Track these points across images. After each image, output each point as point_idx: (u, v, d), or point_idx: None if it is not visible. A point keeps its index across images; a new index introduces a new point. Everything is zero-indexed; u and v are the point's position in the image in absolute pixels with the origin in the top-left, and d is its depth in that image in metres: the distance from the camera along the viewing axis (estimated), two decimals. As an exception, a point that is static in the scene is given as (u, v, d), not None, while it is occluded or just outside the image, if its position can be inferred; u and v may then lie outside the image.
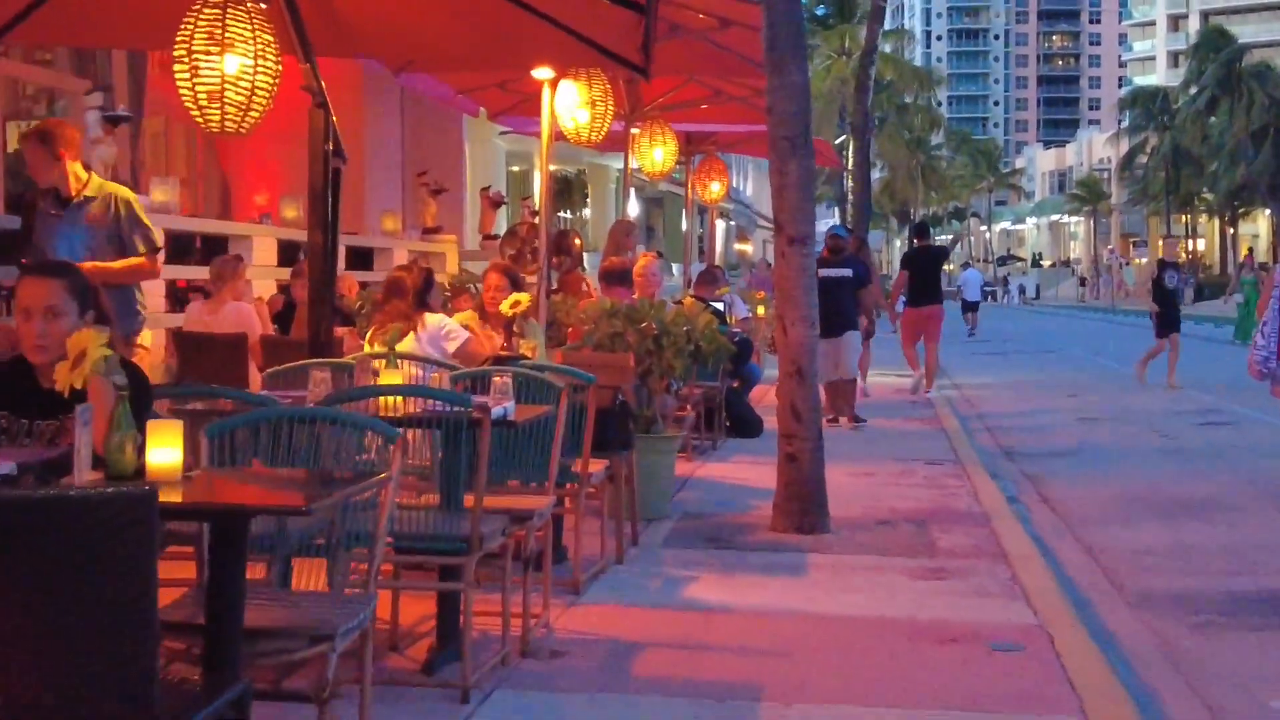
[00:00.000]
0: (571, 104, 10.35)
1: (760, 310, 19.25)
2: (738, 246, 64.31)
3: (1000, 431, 14.42)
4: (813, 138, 7.73)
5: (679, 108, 14.07)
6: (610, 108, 10.43)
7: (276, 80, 5.92)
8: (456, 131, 19.82)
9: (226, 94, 5.78)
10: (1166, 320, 18.55)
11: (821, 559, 7.27)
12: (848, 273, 12.91)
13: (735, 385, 13.19)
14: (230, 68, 5.79)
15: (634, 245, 12.82)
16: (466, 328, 6.79)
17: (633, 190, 39.43)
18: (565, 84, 10.36)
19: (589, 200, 35.18)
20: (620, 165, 35.45)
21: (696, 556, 7.28)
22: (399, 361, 5.92)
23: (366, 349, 6.39)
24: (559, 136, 10.85)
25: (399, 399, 5.04)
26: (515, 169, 34.09)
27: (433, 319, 6.57)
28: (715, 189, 17.30)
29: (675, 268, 26.99)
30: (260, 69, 5.82)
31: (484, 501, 4.96)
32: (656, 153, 14.24)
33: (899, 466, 10.84)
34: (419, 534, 4.82)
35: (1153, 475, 11.01)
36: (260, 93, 5.83)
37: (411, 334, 6.42)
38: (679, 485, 9.63)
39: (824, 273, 11.41)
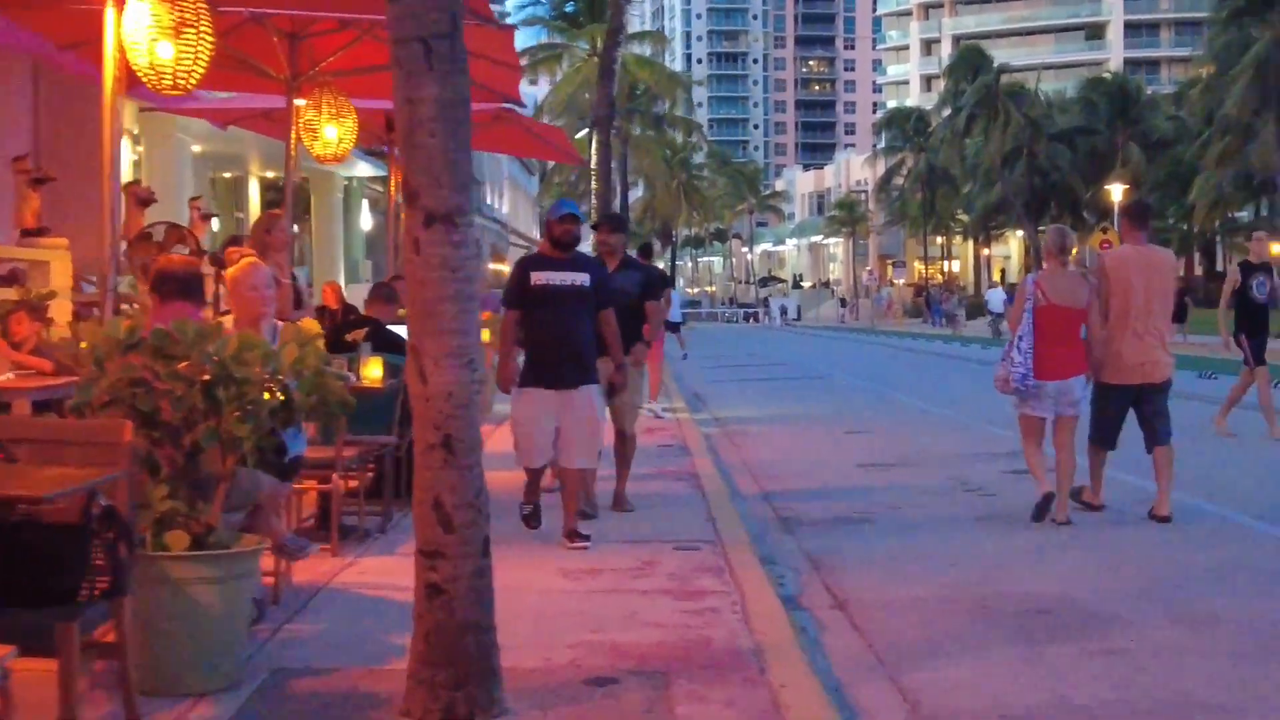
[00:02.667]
0: (145, 31, 6.95)
1: (485, 335, 16.02)
2: (493, 267, 60.98)
3: (771, 484, 11.48)
4: (464, 41, 4.50)
5: (357, 74, 10.77)
6: (207, 37, 7.05)
7: None
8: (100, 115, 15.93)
9: None
10: (1256, 345, 14.12)
11: (473, 792, 4.04)
12: (584, 280, 8.02)
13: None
14: None
15: (285, 246, 9.43)
16: None
17: (366, 202, 35.78)
18: (135, 2, 6.98)
19: (311, 211, 31.27)
20: (349, 174, 31.66)
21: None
22: None
23: None
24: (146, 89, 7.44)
25: None
26: (226, 175, 30.05)
27: None
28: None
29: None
30: None
31: None
32: (328, 130, 10.92)
33: (636, 556, 7.69)
34: None
35: (980, 556, 8.14)
36: None
37: None
38: (302, 601, 6.31)
39: (545, 278, 8.04)
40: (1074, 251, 9.95)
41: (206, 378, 4.66)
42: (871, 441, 14.71)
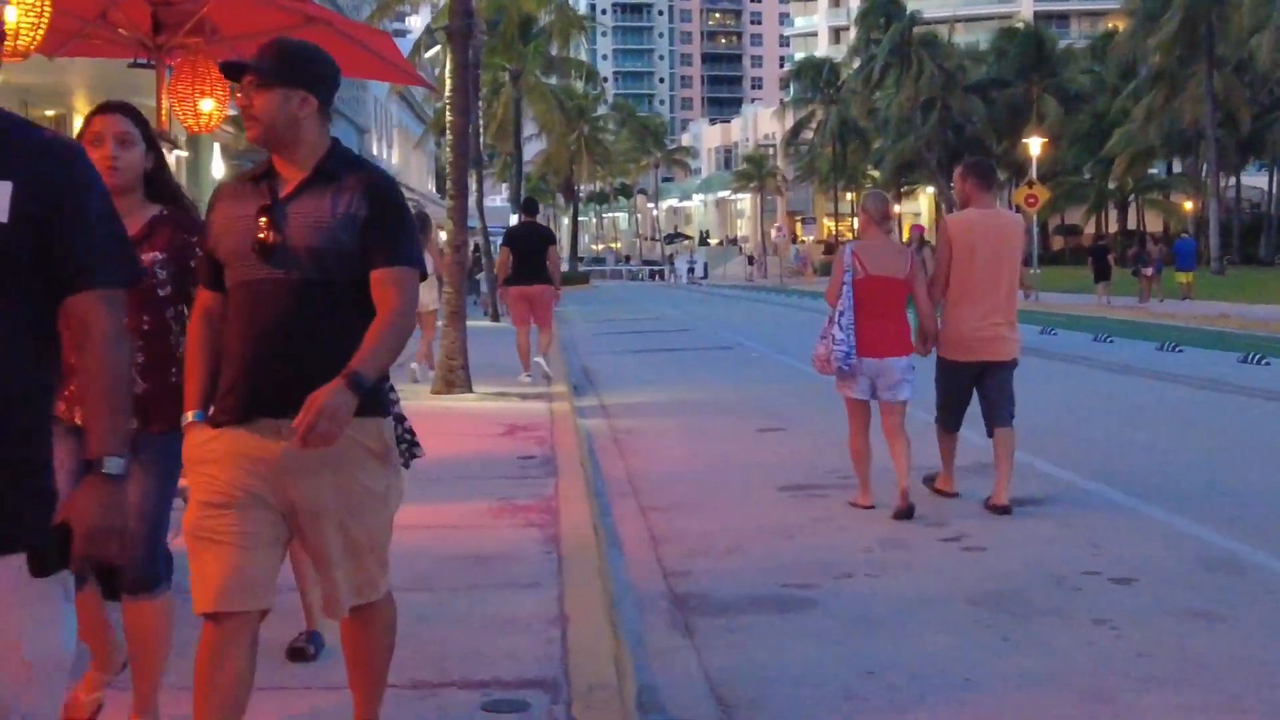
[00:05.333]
0: None
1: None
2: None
3: (664, 523, 8.17)
4: None
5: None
6: None
7: None
8: None
9: None
10: None
11: None
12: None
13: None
14: None
15: None
16: None
17: (217, 146, 31.70)
18: None
19: (147, 156, 27.32)
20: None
21: None
22: None
23: None
24: None
25: None
26: (48, 112, 26.03)
27: None
28: (207, 108, 10.49)
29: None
30: None
31: None
32: (9, 13, 7.40)
33: (412, 729, 4.35)
34: None
35: (1000, 695, 4.89)
36: None
37: None
38: None
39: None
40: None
41: None
42: (793, 445, 11.43)
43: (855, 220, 76.26)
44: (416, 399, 13.83)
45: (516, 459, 9.98)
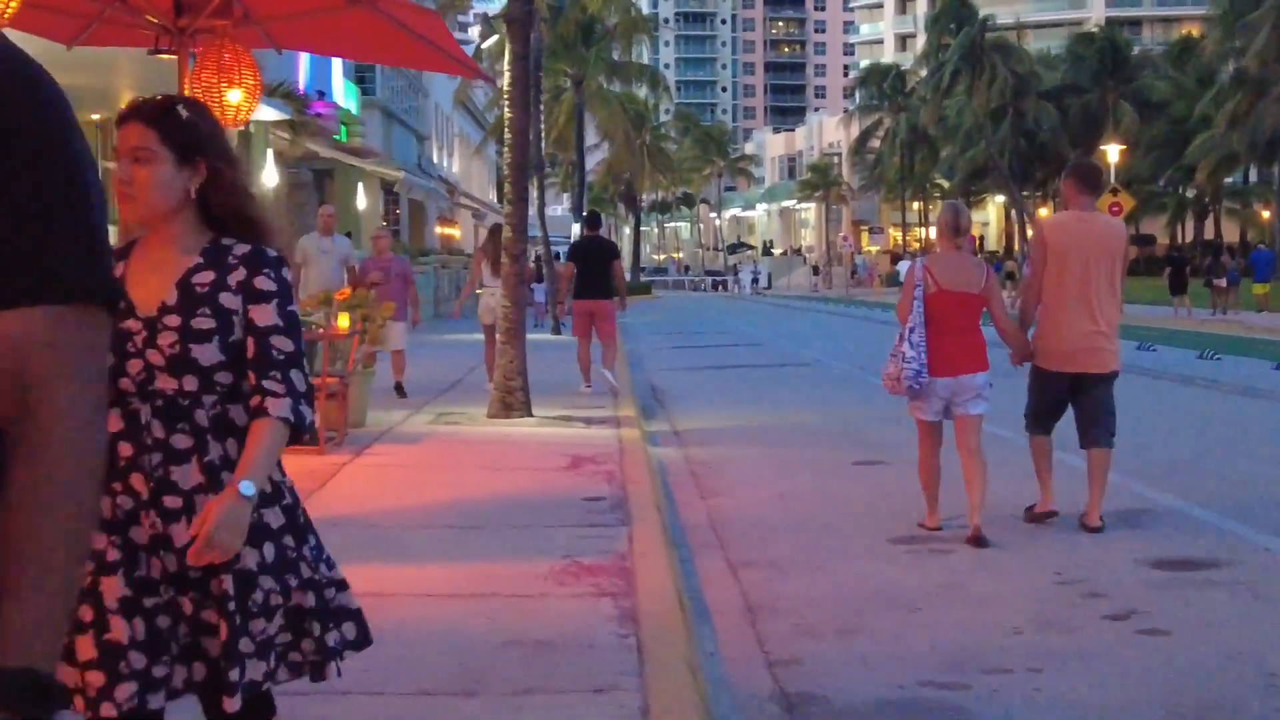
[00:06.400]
0: None
1: (343, 321, 11.39)
2: (440, 231, 56.08)
3: (760, 586, 6.80)
4: None
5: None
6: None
7: None
8: None
9: None
10: None
11: None
12: None
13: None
14: None
15: None
16: None
17: (270, 153, 30.58)
18: None
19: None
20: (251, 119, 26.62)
21: None
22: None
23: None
24: None
25: None
26: (94, 116, 25.07)
27: None
28: (235, 99, 9.28)
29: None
30: None
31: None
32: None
33: None
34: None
35: None
36: None
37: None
38: None
39: None
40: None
41: None
42: (897, 483, 9.95)
43: (923, 230, 74.91)
44: (471, 424, 12.58)
45: (582, 500, 8.64)
